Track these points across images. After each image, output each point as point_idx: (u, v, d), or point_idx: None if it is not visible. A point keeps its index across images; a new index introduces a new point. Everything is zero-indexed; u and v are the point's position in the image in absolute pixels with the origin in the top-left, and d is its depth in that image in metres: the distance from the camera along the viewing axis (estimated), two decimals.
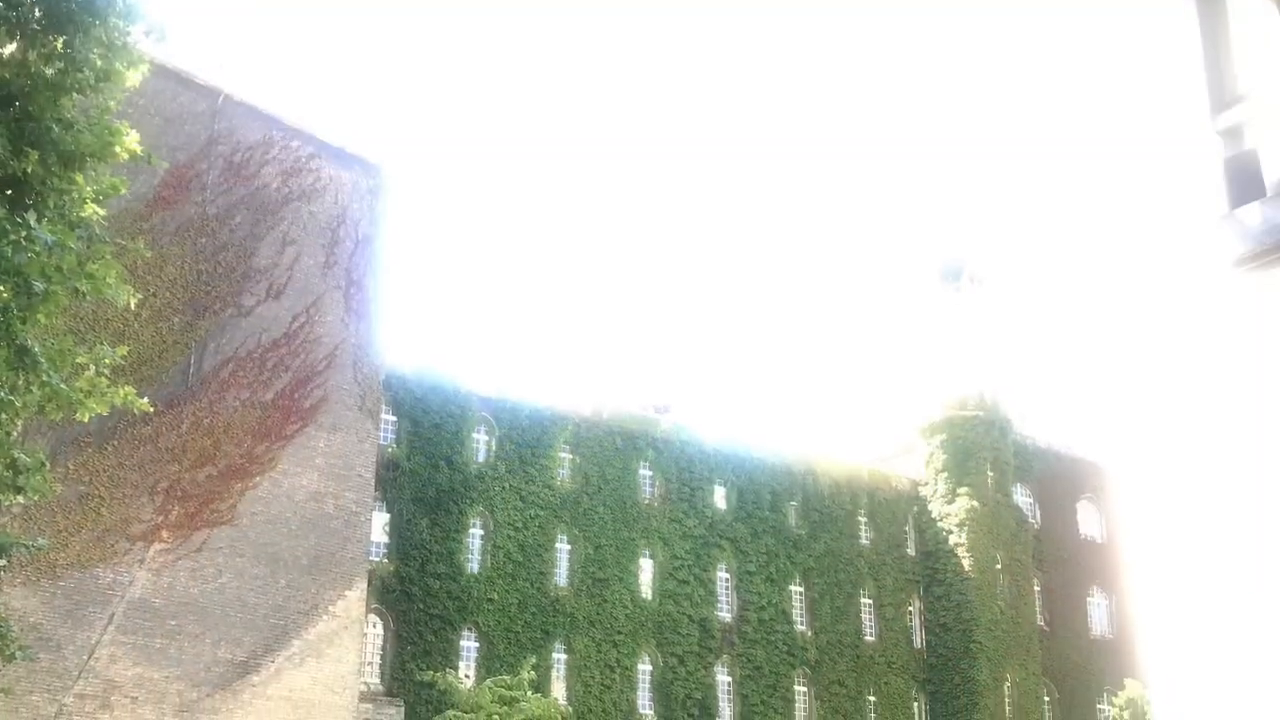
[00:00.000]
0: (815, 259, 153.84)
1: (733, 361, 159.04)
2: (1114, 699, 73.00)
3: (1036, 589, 75.90)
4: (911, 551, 74.88)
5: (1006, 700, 70.72)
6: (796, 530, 70.96)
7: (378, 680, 55.60)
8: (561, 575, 62.37)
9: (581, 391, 66.56)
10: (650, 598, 64.55)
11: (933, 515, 74.44)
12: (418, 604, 57.34)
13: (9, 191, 16.18)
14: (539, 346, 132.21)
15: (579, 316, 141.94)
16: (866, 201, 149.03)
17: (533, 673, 52.09)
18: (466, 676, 56.10)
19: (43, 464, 18.98)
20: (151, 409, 21.08)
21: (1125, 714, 70.20)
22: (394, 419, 59.44)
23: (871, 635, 72.14)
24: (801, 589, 70.21)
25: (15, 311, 16.08)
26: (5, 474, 18.37)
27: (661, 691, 63.38)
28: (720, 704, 65.35)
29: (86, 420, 18.87)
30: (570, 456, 64.36)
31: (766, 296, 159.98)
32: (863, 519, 73.96)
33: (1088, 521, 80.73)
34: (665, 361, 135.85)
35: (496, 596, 59.47)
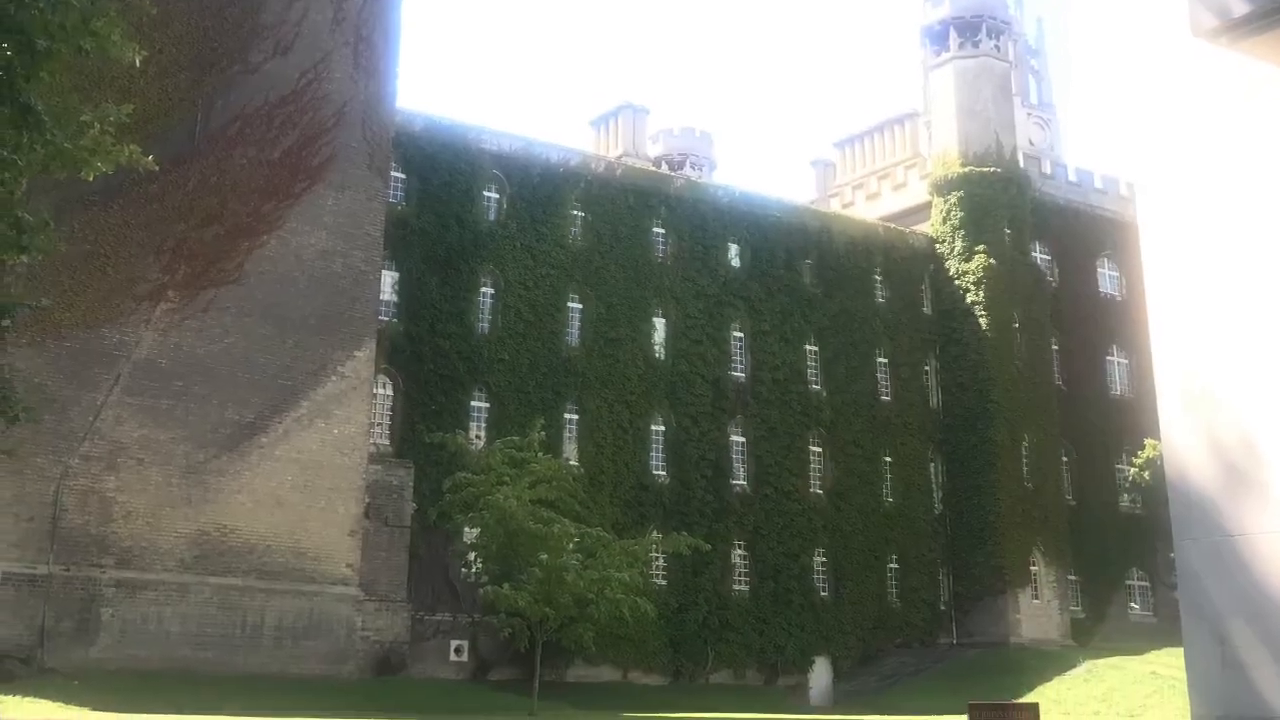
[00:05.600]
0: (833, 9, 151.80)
1: (748, 114, 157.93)
2: (1133, 459, 72.72)
3: (1054, 348, 75.12)
4: (928, 311, 74.00)
5: (1024, 461, 70.38)
6: (811, 289, 70.20)
7: (387, 441, 55.47)
8: (573, 335, 61.97)
9: (594, 148, 65.36)
10: (663, 357, 64.18)
11: (949, 274, 73.32)
12: (427, 364, 57.00)
13: None
14: (552, 101, 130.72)
15: (594, 66, 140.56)
16: None
17: (543, 433, 52.01)
18: (477, 437, 56.04)
19: (47, 223, 18.85)
20: (157, 167, 21.23)
21: (1145, 474, 69.97)
22: (403, 177, 58.62)
23: (887, 395, 71.73)
24: (816, 348, 69.67)
25: (18, 70, 15.82)
26: (10, 233, 18.17)
27: (674, 452, 63.22)
28: (734, 464, 65.22)
29: (91, 179, 18.68)
30: (582, 214, 63.53)
31: (782, 46, 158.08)
32: (878, 277, 73.10)
33: (1107, 279, 79.70)
34: (682, 114, 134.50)
35: (507, 356, 59.09)
